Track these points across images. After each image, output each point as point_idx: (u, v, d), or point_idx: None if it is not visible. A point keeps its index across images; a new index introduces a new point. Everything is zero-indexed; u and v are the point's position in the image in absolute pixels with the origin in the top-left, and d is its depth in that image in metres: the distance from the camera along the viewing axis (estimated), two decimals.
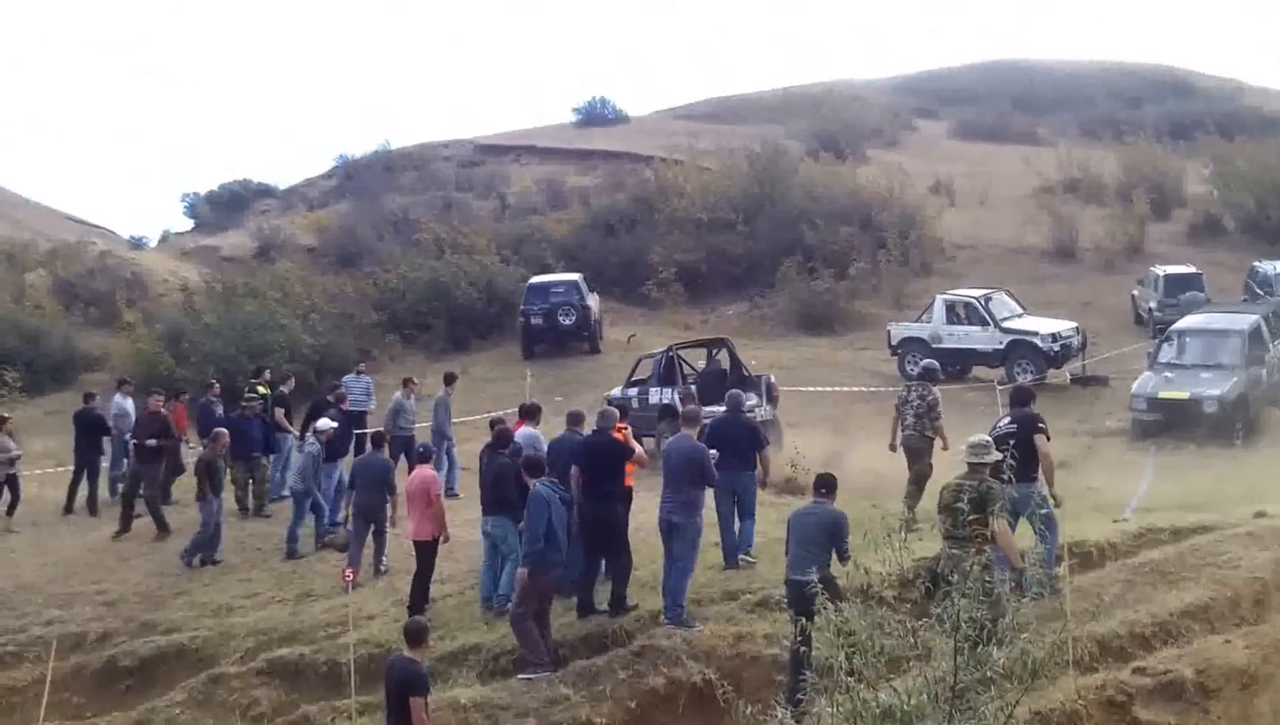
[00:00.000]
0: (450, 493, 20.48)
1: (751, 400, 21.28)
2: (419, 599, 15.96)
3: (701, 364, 26.10)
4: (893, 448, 17.75)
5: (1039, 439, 13.79)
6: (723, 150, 51.20)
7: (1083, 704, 10.00)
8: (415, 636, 11.42)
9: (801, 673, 11.23)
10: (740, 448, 15.84)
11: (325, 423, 19.89)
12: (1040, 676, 8.53)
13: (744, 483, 15.90)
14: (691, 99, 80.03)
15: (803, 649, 10.68)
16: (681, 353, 25.50)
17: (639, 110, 75.69)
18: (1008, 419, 14.53)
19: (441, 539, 16.16)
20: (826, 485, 13.04)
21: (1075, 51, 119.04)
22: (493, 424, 17.44)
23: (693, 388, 22.63)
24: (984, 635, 8.11)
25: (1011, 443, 12.24)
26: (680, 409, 17.61)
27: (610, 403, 19.26)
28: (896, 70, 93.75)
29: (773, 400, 23.36)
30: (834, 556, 12.45)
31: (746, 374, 24.41)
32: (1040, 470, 13.70)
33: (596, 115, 71.39)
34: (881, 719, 7.47)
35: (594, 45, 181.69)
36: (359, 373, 26.23)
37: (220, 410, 23.29)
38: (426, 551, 16.17)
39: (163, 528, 20.69)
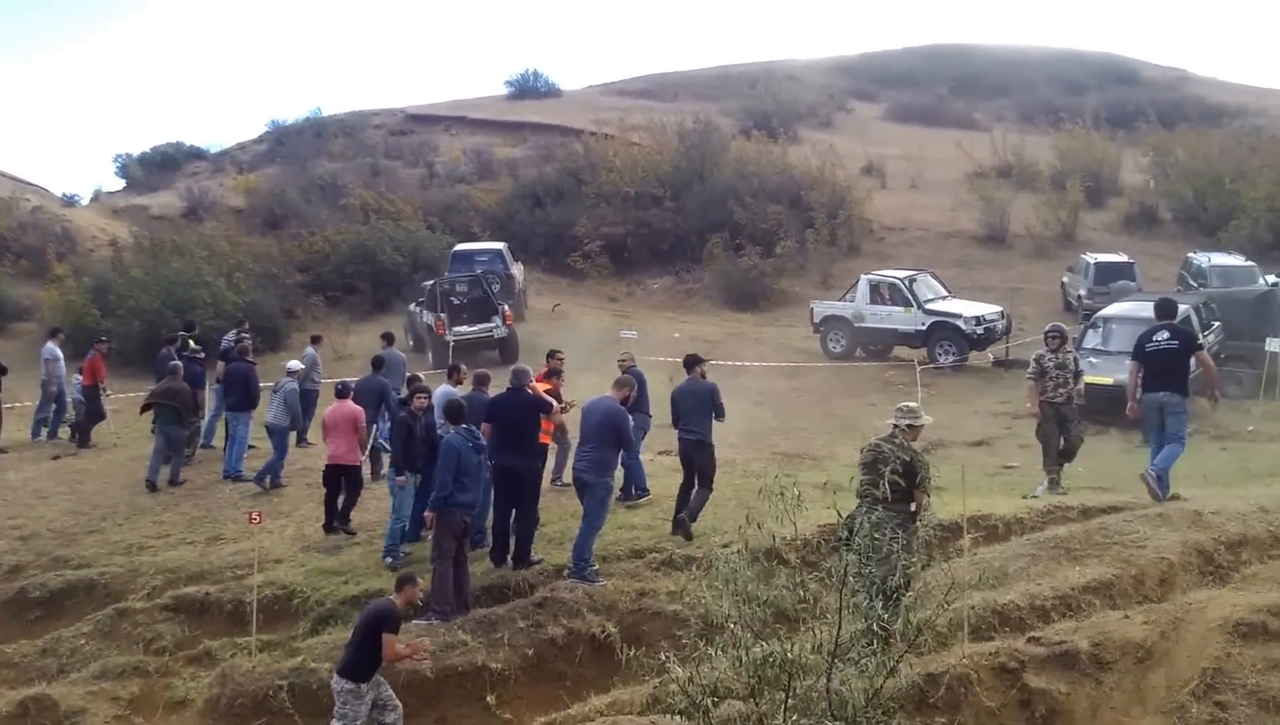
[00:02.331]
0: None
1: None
2: (341, 513, 17.39)
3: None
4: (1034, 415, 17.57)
5: (1201, 355, 15.49)
6: (654, 126, 51.39)
7: (973, 669, 9.94)
8: (400, 583, 12.25)
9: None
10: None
11: (295, 363, 21.28)
12: (924, 633, 8.67)
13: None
14: (627, 75, 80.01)
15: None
16: None
17: (572, 85, 76.08)
18: (1166, 334, 15.29)
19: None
20: (696, 362, 16.18)
21: (1021, 37, 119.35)
22: (410, 382, 18.07)
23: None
24: (873, 592, 8.27)
25: (1169, 357, 14.93)
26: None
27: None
28: (837, 51, 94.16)
29: None
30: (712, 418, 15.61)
31: None
32: (1187, 382, 15.23)
33: (529, 88, 71.21)
34: (762, 665, 7.53)
35: (529, 18, 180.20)
36: (240, 332, 26.29)
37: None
38: (351, 475, 17.45)
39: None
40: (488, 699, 12.66)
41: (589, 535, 14.47)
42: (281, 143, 63.27)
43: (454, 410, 14.81)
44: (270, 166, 57.94)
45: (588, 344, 31.43)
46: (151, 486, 20.04)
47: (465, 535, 14.17)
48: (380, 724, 11.76)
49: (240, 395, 20.78)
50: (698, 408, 15.77)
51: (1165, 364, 15.19)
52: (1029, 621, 11.48)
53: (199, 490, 20.05)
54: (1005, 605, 11.73)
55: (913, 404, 12.33)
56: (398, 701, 11.89)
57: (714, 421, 15.88)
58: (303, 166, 54.61)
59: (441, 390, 17.01)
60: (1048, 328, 17.84)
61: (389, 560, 15.69)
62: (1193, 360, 15.32)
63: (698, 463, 15.74)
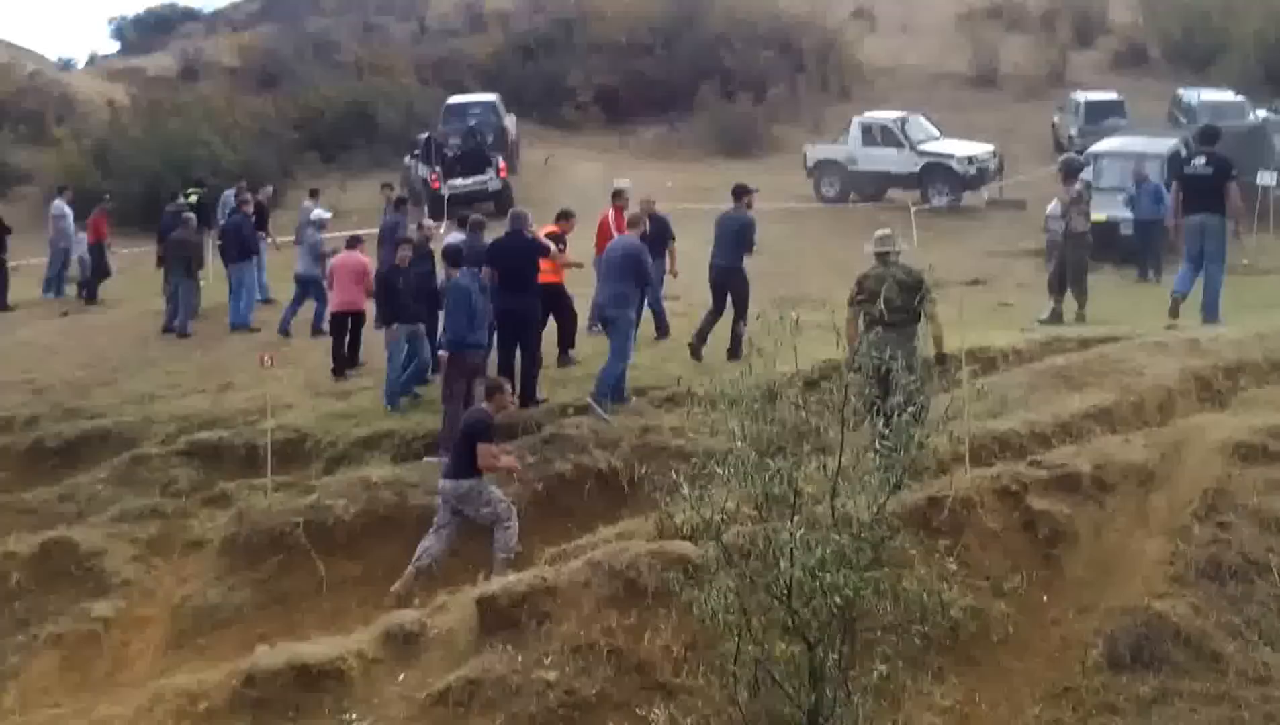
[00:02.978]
0: None
1: None
2: (347, 359, 17.86)
3: None
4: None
5: (1230, 185, 16.06)
6: None
7: (976, 491, 9.99)
8: (489, 392, 12.81)
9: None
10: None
11: (320, 212, 21.59)
12: (925, 447, 8.55)
13: None
14: None
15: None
16: None
17: None
18: (1203, 160, 16.23)
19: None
20: (742, 192, 16.64)
21: None
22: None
23: None
24: (874, 411, 8.24)
25: (1204, 182, 15.86)
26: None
27: None
28: None
29: None
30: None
31: None
32: (1225, 205, 16.04)
33: None
34: (769, 481, 7.59)
35: None
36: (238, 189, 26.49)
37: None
38: (355, 322, 17.85)
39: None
40: None
41: (615, 367, 14.89)
42: (274, 1, 62.50)
43: (452, 254, 15.19)
44: (264, 25, 57.33)
45: (581, 195, 31.44)
46: (175, 332, 20.66)
47: (476, 376, 14.34)
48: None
49: (239, 246, 21.08)
50: (732, 237, 16.26)
51: (1201, 189, 16.09)
52: (1029, 448, 11.56)
53: (208, 341, 20.36)
54: (1005, 432, 11.84)
55: (886, 231, 12.43)
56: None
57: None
58: (296, 24, 54.15)
59: (451, 236, 17.41)
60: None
61: (389, 406, 16.00)
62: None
63: (731, 289, 16.06)
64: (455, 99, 38.80)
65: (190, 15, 65.19)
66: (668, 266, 17.99)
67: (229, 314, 21.10)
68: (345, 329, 17.88)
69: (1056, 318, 17.80)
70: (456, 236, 17.41)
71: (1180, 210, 16.51)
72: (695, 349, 16.08)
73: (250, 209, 22.22)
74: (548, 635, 9.21)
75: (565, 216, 17.27)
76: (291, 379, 17.68)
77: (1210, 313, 15.86)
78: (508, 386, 13.25)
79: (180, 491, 14.94)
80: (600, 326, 16.61)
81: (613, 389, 14.83)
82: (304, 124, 41.21)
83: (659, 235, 17.42)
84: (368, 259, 18.24)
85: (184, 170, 31.25)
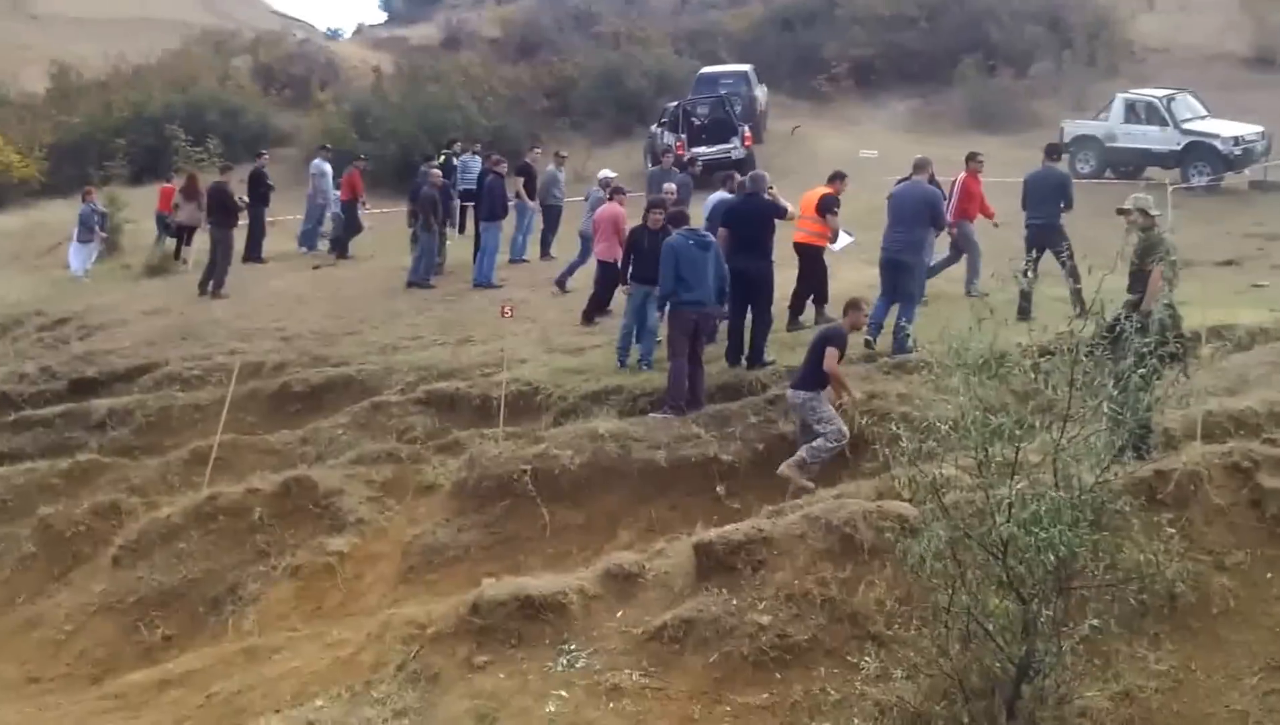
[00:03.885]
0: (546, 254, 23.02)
1: None
2: (598, 306, 18.52)
3: None
4: None
5: None
6: None
7: (1204, 467, 9.63)
8: (846, 308, 13.22)
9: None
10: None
11: (607, 172, 21.80)
12: (1150, 411, 8.53)
13: None
14: None
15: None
16: None
17: None
18: None
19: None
20: (1055, 151, 17.99)
21: None
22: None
23: None
24: (1107, 374, 8.04)
25: None
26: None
27: None
28: None
29: None
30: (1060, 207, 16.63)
31: None
32: None
33: None
34: (990, 436, 7.55)
35: None
36: (474, 153, 27.05)
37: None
38: (609, 270, 18.09)
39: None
40: (718, 489, 13.04)
41: (911, 312, 14.86)
42: None
43: (675, 218, 15.26)
44: None
45: (825, 166, 31.08)
46: (414, 284, 21.42)
47: (697, 334, 14.36)
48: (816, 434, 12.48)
49: (489, 206, 21.50)
50: (1050, 194, 16.76)
51: None
52: (1266, 427, 11.14)
53: (451, 296, 20.94)
54: (1242, 411, 11.49)
55: (1140, 195, 12.29)
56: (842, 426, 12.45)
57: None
58: None
59: (716, 195, 17.73)
60: None
61: (620, 363, 16.14)
62: None
63: (1050, 245, 15.48)
64: (708, 69, 38.81)
65: None
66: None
67: (473, 271, 21.49)
68: (607, 277, 18.21)
69: None
70: (721, 196, 17.51)
71: None
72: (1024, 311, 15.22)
73: (504, 168, 22.61)
74: (762, 582, 9.30)
75: (839, 177, 17.23)
76: (527, 334, 18.10)
77: None
78: (863, 303, 13.56)
79: (416, 438, 15.42)
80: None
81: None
82: (556, 92, 41.84)
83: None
84: (620, 210, 18.45)
85: (438, 134, 32.08)
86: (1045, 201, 16.73)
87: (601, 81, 41.21)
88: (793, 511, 10.56)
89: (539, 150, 24.84)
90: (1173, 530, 9.13)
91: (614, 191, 19.06)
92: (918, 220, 15.60)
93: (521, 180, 23.47)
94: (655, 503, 13.05)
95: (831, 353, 12.39)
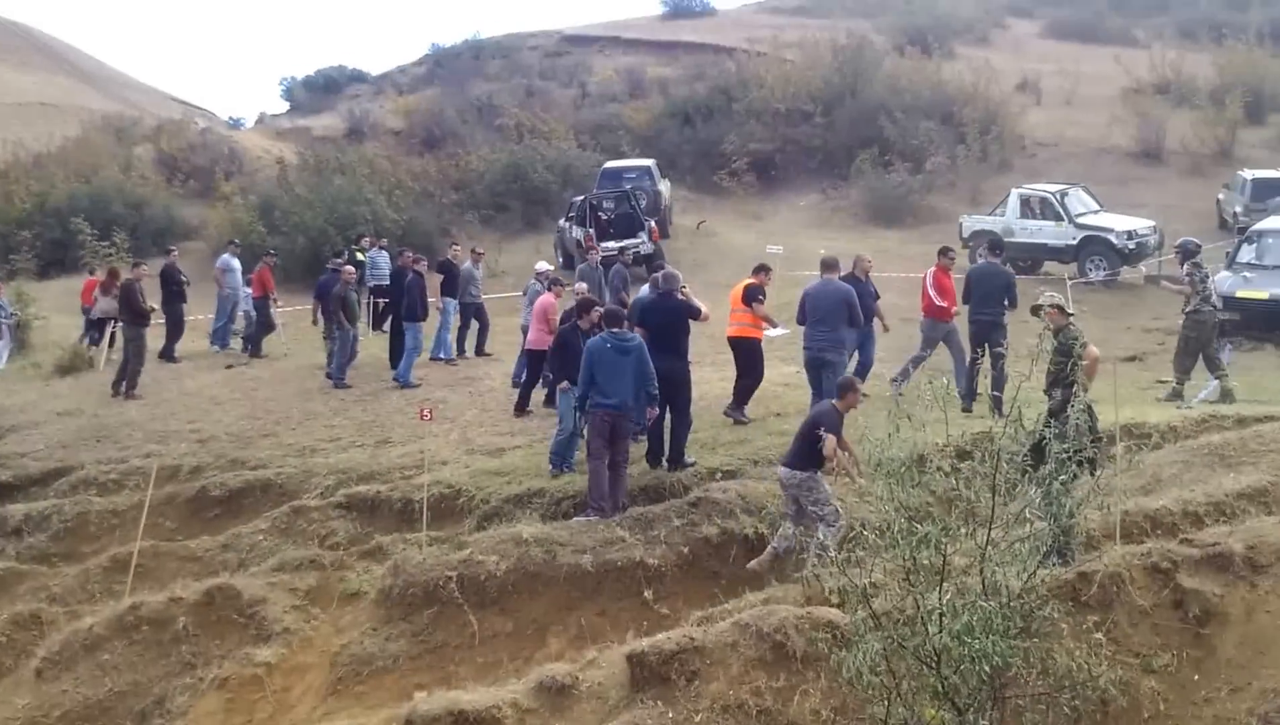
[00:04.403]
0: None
1: None
2: (524, 399, 18.88)
3: None
4: None
5: None
6: (807, 42, 50.85)
7: (1126, 568, 9.82)
8: (841, 389, 13.28)
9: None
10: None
11: (543, 264, 22.23)
12: (1075, 516, 8.86)
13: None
14: None
15: None
16: None
17: (727, 3, 75.28)
18: None
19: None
20: (996, 247, 18.65)
21: None
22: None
23: None
24: (1028, 480, 8.34)
25: None
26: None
27: None
28: None
29: None
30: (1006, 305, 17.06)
31: None
32: None
33: (683, 8, 70.77)
34: (917, 546, 7.70)
35: None
36: (381, 248, 27.40)
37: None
38: (537, 358, 18.42)
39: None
40: (645, 594, 13.00)
41: None
42: (440, 65, 64.21)
43: (609, 318, 15.19)
44: (429, 89, 58.91)
45: (733, 261, 31.59)
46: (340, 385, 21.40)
47: (614, 437, 14.33)
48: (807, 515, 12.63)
49: (410, 306, 21.59)
50: (997, 292, 17.29)
51: None
52: (1181, 526, 11.45)
53: (367, 397, 20.86)
54: (1158, 510, 11.80)
55: (1050, 294, 12.55)
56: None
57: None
58: (460, 88, 55.63)
59: (643, 289, 17.77)
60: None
61: (555, 468, 16.07)
62: None
63: (991, 341, 16.51)
64: (611, 163, 39.39)
65: (358, 77, 67.09)
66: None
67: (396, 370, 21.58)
68: (534, 367, 18.57)
69: (1176, 396, 17.83)
70: (645, 292, 17.52)
71: None
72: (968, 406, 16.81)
73: (424, 266, 22.66)
74: (697, 694, 9.32)
75: (764, 269, 17.58)
76: (446, 435, 18.11)
77: None
78: (858, 384, 13.71)
79: (338, 543, 15.30)
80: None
81: None
82: (463, 185, 42.18)
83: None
84: (552, 300, 18.80)
85: (347, 228, 32.16)
86: (991, 297, 17.25)
87: (507, 175, 41.55)
88: (722, 618, 10.61)
89: (458, 247, 24.93)
90: (1100, 635, 9.28)
91: (552, 283, 19.36)
92: (838, 318, 16.07)
93: (441, 278, 23.52)
94: (583, 608, 12.99)
95: (830, 438, 12.42)
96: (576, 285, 20.20)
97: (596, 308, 16.26)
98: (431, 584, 13.17)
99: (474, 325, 23.59)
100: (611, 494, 14.30)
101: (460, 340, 23.45)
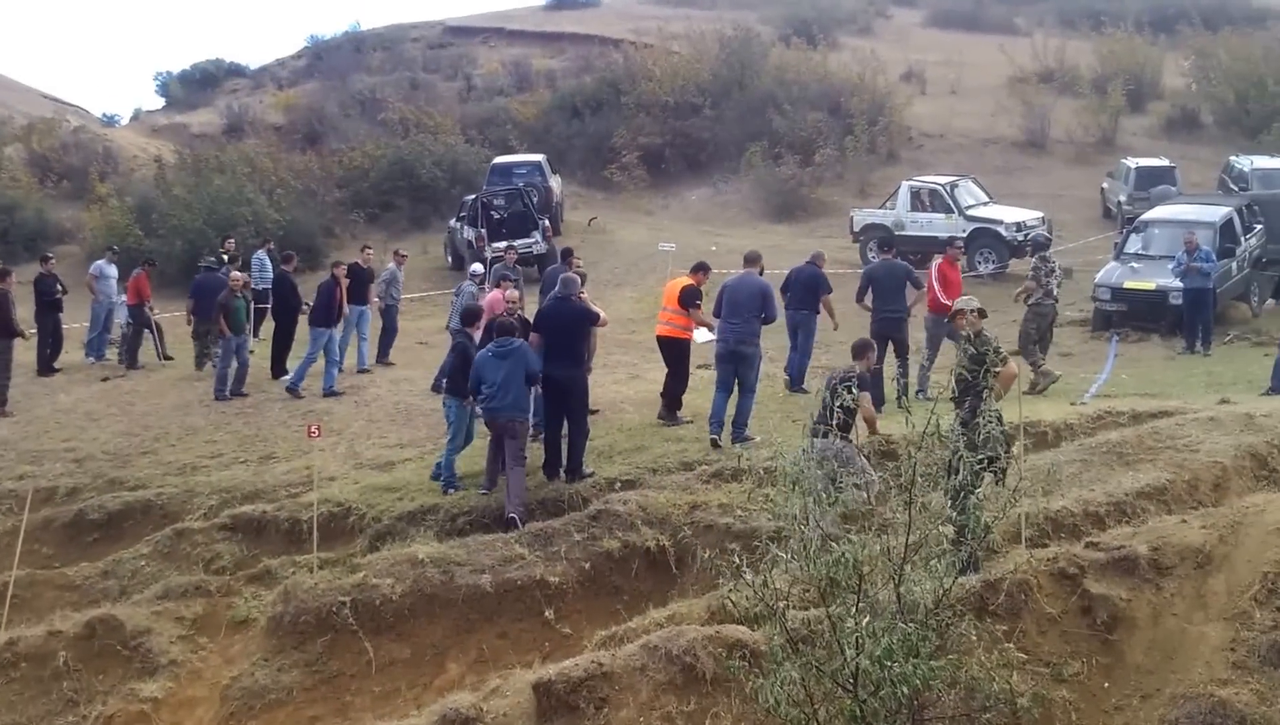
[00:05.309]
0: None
1: None
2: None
3: None
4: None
5: None
6: (693, 34, 50.80)
7: (1033, 575, 9.91)
8: (857, 351, 13.84)
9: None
10: None
11: (477, 267, 22.23)
12: (991, 531, 8.79)
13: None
14: None
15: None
16: None
17: None
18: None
19: None
20: (888, 245, 19.73)
21: None
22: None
23: None
24: (942, 489, 8.34)
25: None
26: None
27: None
28: None
29: None
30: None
31: None
32: None
33: None
34: (833, 566, 7.56)
35: None
36: (267, 251, 26.75)
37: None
38: None
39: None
40: (546, 613, 12.77)
41: (749, 402, 15.80)
42: (320, 58, 62.85)
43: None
44: (309, 82, 57.75)
45: (625, 258, 31.39)
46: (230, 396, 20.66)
47: (501, 441, 14.64)
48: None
49: (321, 311, 20.98)
50: (897, 287, 17.83)
51: None
52: (1083, 528, 11.50)
53: (249, 409, 20.18)
54: (1059, 511, 11.80)
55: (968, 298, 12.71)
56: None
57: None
58: (342, 82, 54.42)
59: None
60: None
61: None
62: None
63: (897, 337, 17.56)
64: (501, 159, 38.85)
65: (236, 71, 65.60)
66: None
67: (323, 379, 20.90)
68: None
69: (1048, 378, 18.37)
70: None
71: None
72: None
73: (343, 272, 21.86)
74: (606, 722, 9.19)
75: (702, 268, 17.30)
76: (334, 449, 17.65)
77: None
78: (874, 344, 14.31)
79: (224, 567, 14.84)
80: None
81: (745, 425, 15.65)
82: (347, 183, 41.24)
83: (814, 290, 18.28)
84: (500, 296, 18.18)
85: (228, 229, 31.13)
86: (895, 293, 17.48)
87: (393, 171, 40.80)
88: (627, 638, 10.48)
89: (370, 250, 24.22)
90: (1010, 644, 9.25)
91: (500, 278, 19.45)
92: (754, 312, 15.90)
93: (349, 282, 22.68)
94: (483, 631, 12.74)
95: (864, 396, 12.55)
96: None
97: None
98: (324, 610, 12.80)
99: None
100: (514, 498, 14.30)
101: (383, 347, 22.92)
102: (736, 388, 15.92)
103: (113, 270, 25.11)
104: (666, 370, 17.11)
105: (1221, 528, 10.71)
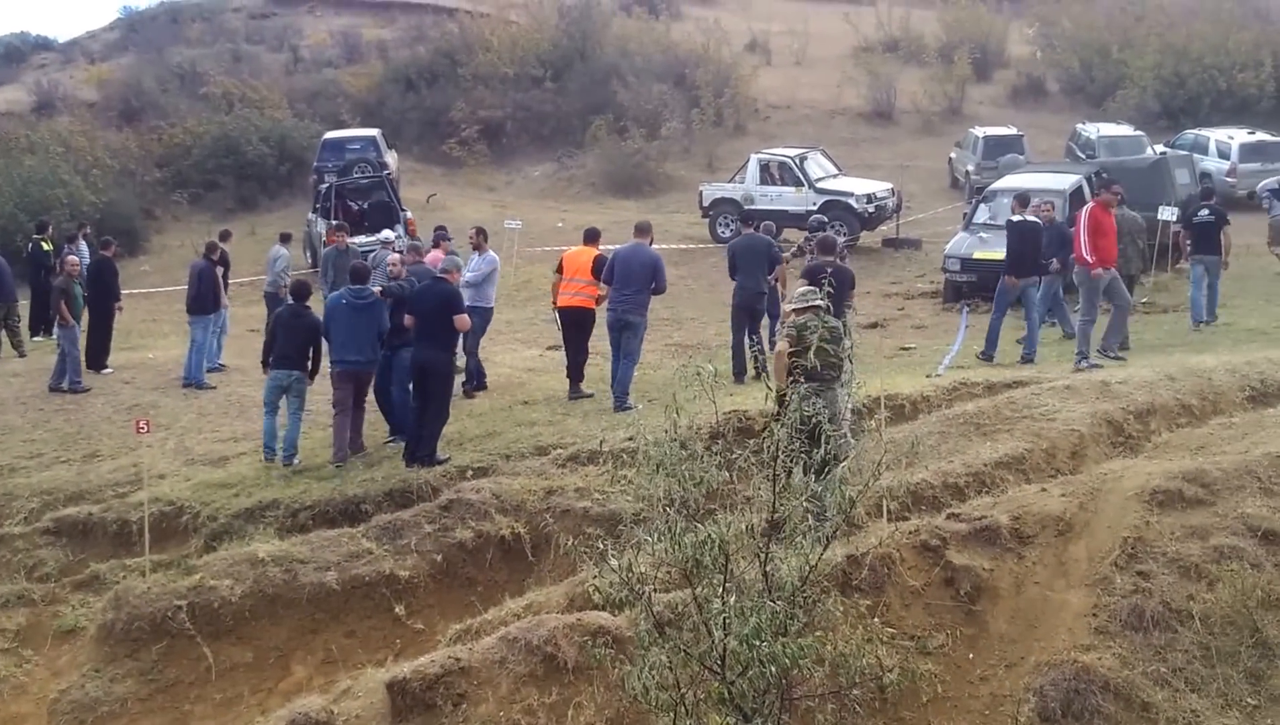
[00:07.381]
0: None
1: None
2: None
3: None
4: None
5: (1225, 229, 19.96)
6: (532, 3, 50.34)
7: (895, 548, 9.79)
8: (826, 247, 15.06)
9: None
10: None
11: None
12: (856, 506, 8.35)
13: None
14: None
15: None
16: None
17: None
18: (1206, 211, 20.14)
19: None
20: (751, 219, 19.97)
21: None
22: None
23: None
24: (805, 467, 8.00)
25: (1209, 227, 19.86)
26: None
27: None
28: None
29: None
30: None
31: None
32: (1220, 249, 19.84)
33: None
34: (699, 547, 7.29)
35: None
36: (84, 236, 25.65)
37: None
38: None
39: None
40: (397, 609, 12.37)
41: (630, 371, 16.24)
42: (135, 30, 60.36)
43: (355, 273, 15.82)
44: (124, 56, 55.31)
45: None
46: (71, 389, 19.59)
47: (358, 391, 15.34)
48: None
49: (198, 297, 20.02)
50: (758, 262, 17.49)
51: (1207, 235, 19.79)
52: (943, 499, 11.55)
53: (69, 405, 19.10)
54: (918, 484, 11.83)
55: (811, 288, 11.95)
56: None
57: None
58: (159, 55, 52.18)
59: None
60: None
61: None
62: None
63: (758, 311, 17.55)
64: (333, 134, 37.64)
65: (43, 45, 63.02)
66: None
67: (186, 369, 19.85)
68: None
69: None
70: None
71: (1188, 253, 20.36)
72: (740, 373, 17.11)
73: (215, 256, 20.75)
74: (465, 718, 8.93)
75: (597, 237, 17.51)
76: (162, 445, 16.81)
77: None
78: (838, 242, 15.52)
79: (48, 574, 14.05)
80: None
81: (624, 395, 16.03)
82: (168, 161, 39.90)
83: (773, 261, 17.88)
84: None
85: (41, 213, 29.45)
86: (757, 268, 17.27)
87: (217, 149, 39.56)
88: (484, 630, 10.25)
89: (230, 236, 22.94)
90: (876, 619, 9.19)
91: (439, 240, 20.08)
92: (644, 282, 16.20)
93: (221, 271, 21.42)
94: (330, 630, 12.25)
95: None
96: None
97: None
98: (159, 615, 12.14)
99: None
100: (352, 441, 15.25)
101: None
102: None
103: None
104: (564, 344, 17.32)
105: (1081, 495, 10.80)
